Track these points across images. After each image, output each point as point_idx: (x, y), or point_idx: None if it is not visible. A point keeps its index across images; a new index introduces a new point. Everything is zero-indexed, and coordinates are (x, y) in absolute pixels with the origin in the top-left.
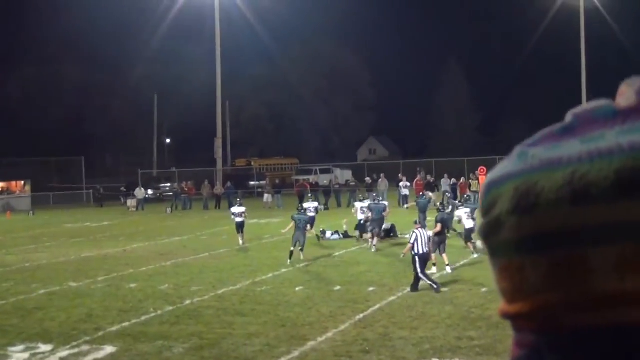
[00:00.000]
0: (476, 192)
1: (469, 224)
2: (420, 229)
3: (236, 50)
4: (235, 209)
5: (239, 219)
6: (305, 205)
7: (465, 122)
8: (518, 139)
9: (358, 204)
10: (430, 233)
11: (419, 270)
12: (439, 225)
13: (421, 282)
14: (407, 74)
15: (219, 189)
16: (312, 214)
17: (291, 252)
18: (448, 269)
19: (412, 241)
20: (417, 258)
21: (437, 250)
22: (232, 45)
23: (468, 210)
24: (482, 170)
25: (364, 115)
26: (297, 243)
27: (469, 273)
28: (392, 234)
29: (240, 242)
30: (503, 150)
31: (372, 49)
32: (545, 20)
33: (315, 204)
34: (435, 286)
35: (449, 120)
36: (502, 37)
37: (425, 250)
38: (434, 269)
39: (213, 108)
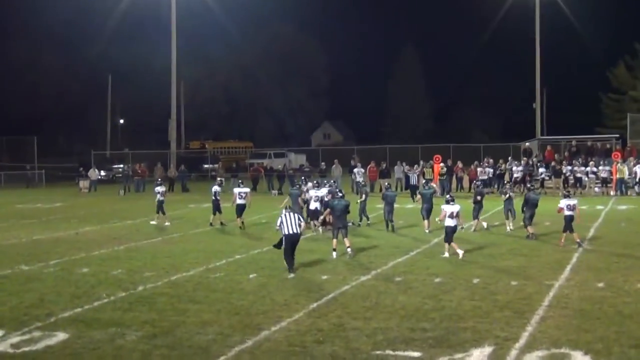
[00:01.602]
0: (430, 179)
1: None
2: (287, 214)
3: (192, 30)
4: (158, 188)
5: (160, 198)
6: (238, 190)
7: (419, 109)
8: (471, 127)
9: (313, 192)
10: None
11: (284, 251)
12: (328, 210)
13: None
14: (363, 59)
15: (172, 172)
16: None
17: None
18: (349, 251)
19: (277, 225)
20: (283, 239)
21: (339, 234)
22: (189, 26)
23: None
24: (437, 159)
25: (319, 99)
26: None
27: (422, 262)
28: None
29: (154, 221)
30: (456, 139)
31: (328, 34)
32: (501, 11)
33: (246, 190)
34: (289, 270)
35: (404, 106)
36: (458, 26)
37: (293, 231)
38: (334, 254)
39: (168, 89)
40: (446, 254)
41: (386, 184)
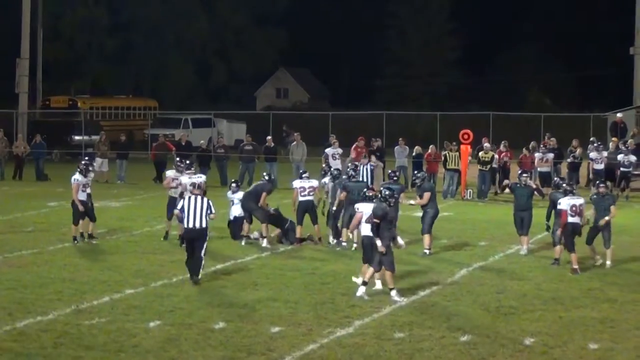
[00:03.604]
0: (455, 170)
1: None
2: (192, 197)
3: None
4: None
5: None
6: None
7: (440, 53)
8: (524, 85)
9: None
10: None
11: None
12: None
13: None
14: None
15: (20, 146)
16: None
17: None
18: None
19: (178, 208)
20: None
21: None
22: None
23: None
24: (465, 136)
25: (270, 32)
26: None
27: (440, 309)
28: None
29: None
30: (500, 103)
31: None
32: None
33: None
34: (190, 278)
35: (414, 49)
36: None
37: (194, 225)
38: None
39: (17, 9)
40: (359, 280)
41: (348, 167)
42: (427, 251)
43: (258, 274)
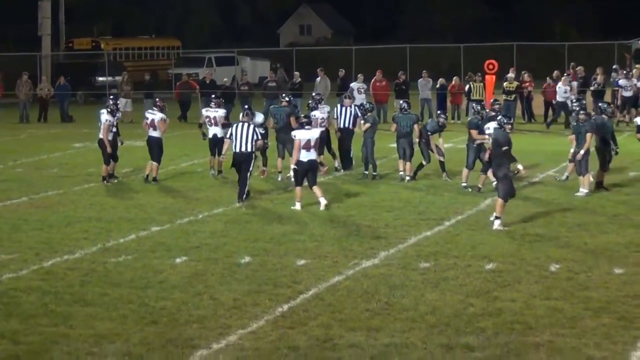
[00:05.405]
0: (479, 101)
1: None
2: (240, 123)
3: None
4: None
5: None
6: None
7: None
8: (549, 16)
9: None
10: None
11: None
12: None
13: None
14: None
15: (45, 88)
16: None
17: None
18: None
19: (227, 136)
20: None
21: None
22: None
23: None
24: (490, 66)
25: None
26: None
27: (465, 238)
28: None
29: None
30: (524, 34)
31: None
32: None
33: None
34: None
35: None
36: None
37: (240, 149)
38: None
39: None
40: (297, 205)
41: (400, 102)
42: (464, 185)
43: (283, 208)
